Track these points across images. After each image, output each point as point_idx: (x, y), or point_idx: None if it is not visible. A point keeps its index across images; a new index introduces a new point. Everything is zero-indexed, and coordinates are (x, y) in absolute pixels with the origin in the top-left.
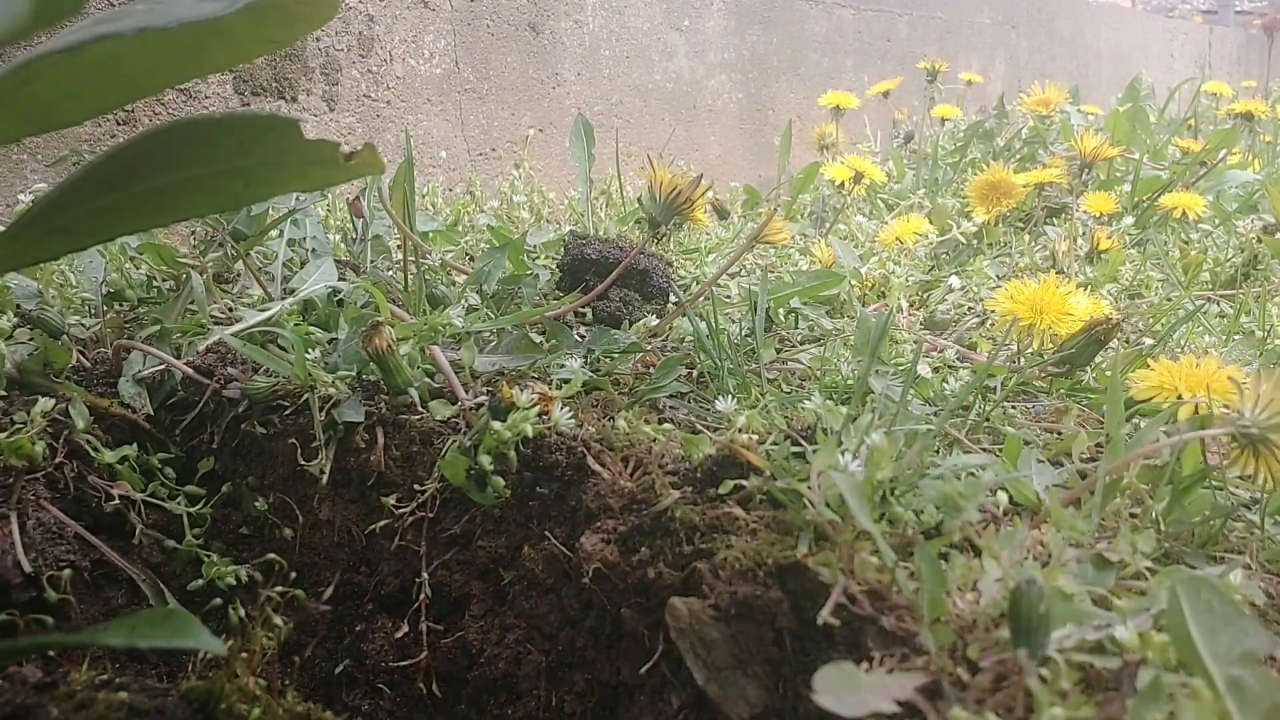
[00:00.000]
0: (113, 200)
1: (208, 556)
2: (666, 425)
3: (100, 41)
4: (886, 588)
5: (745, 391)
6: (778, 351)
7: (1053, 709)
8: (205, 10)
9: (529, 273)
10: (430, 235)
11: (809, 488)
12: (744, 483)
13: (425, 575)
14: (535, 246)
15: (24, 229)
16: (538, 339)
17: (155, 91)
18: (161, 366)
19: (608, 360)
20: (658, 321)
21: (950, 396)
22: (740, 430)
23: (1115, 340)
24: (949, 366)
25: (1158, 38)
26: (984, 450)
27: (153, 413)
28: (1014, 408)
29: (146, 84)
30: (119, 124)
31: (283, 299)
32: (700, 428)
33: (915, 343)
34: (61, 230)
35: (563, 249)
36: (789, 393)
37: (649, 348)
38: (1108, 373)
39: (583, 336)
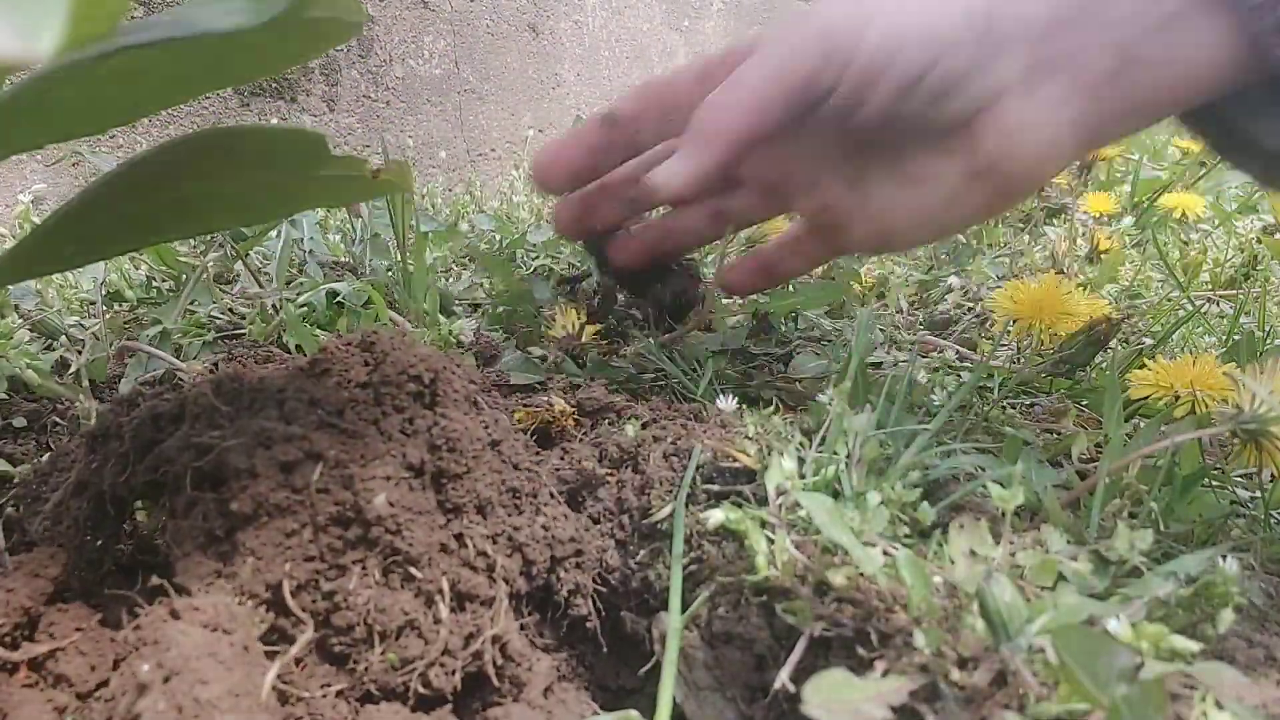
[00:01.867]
0: (134, 211)
1: None
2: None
3: (123, 52)
4: (867, 595)
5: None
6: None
7: (1042, 703)
8: (229, 23)
9: (525, 289)
10: (430, 237)
11: (768, 512)
12: (739, 488)
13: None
14: (535, 245)
15: (43, 239)
16: (537, 360)
17: (178, 102)
18: (164, 370)
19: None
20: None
21: (947, 397)
22: (738, 432)
23: (1115, 340)
24: (949, 367)
25: None
26: (980, 450)
27: None
28: (1013, 407)
29: (170, 95)
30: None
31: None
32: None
33: (913, 344)
34: (81, 240)
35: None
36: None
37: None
38: (1108, 373)
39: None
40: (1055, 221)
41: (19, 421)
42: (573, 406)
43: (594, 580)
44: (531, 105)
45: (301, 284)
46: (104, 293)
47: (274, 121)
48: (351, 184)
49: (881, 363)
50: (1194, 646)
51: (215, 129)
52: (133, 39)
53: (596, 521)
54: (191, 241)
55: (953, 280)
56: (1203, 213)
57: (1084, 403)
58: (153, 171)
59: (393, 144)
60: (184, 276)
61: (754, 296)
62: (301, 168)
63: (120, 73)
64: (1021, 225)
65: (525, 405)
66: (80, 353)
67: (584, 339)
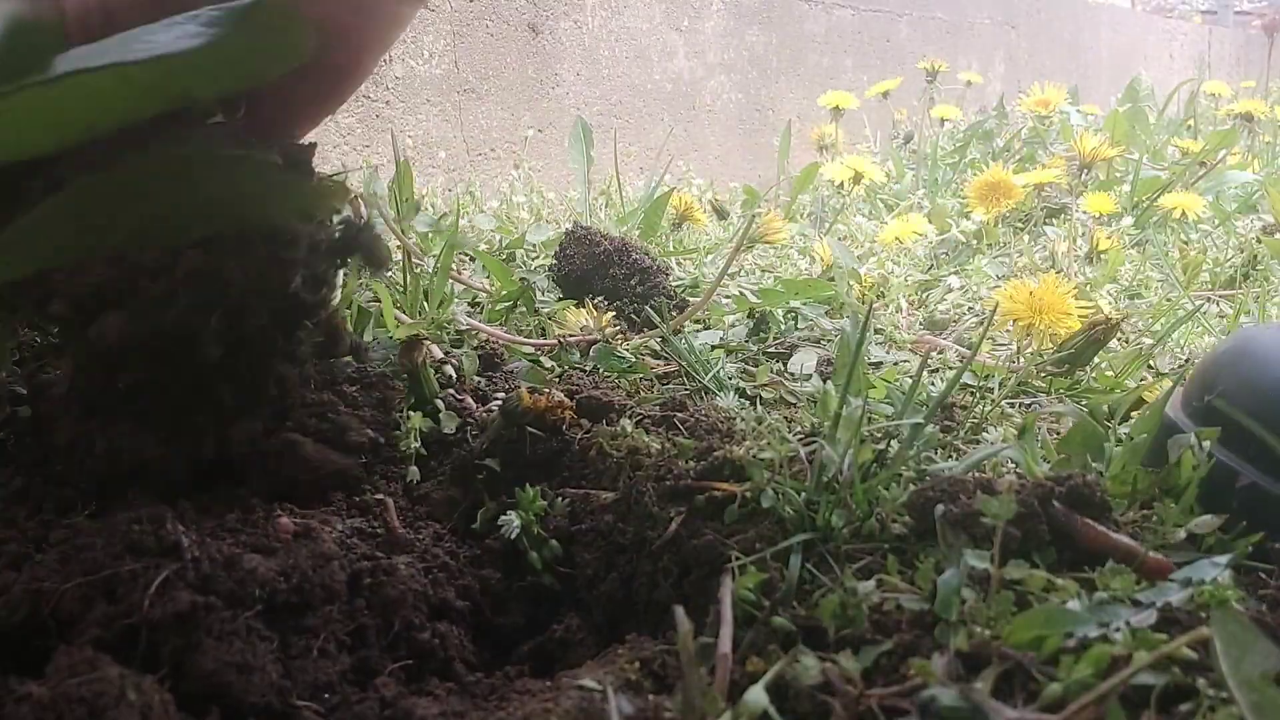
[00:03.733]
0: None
1: None
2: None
3: (74, 76)
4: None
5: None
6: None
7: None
8: (178, 47)
9: (524, 285)
10: (429, 236)
11: None
12: (723, 487)
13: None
14: (535, 245)
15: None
16: (546, 368)
17: (131, 121)
18: None
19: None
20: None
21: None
22: (736, 432)
23: (1115, 340)
24: (949, 367)
25: (1157, 38)
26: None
27: None
28: (1012, 407)
29: (121, 116)
30: None
31: None
32: (701, 434)
33: (915, 344)
34: (34, 252)
35: (568, 242)
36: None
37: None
38: (1108, 372)
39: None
40: (1055, 221)
41: None
42: (572, 403)
43: None
44: (531, 105)
45: None
46: None
47: None
48: (287, 200)
49: (881, 362)
50: (1192, 655)
51: (160, 152)
52: (83, 64)
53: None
54: None
55: (952, 280)
56: (1202, 212)
57: (1084, 402)
58: (109, 194)
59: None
60: None
61: (748, 296)
62: (240, 186)
63: (73, 95)
64: (1021, 225)
65: (530, 389)
66: None
67: (605, 333)
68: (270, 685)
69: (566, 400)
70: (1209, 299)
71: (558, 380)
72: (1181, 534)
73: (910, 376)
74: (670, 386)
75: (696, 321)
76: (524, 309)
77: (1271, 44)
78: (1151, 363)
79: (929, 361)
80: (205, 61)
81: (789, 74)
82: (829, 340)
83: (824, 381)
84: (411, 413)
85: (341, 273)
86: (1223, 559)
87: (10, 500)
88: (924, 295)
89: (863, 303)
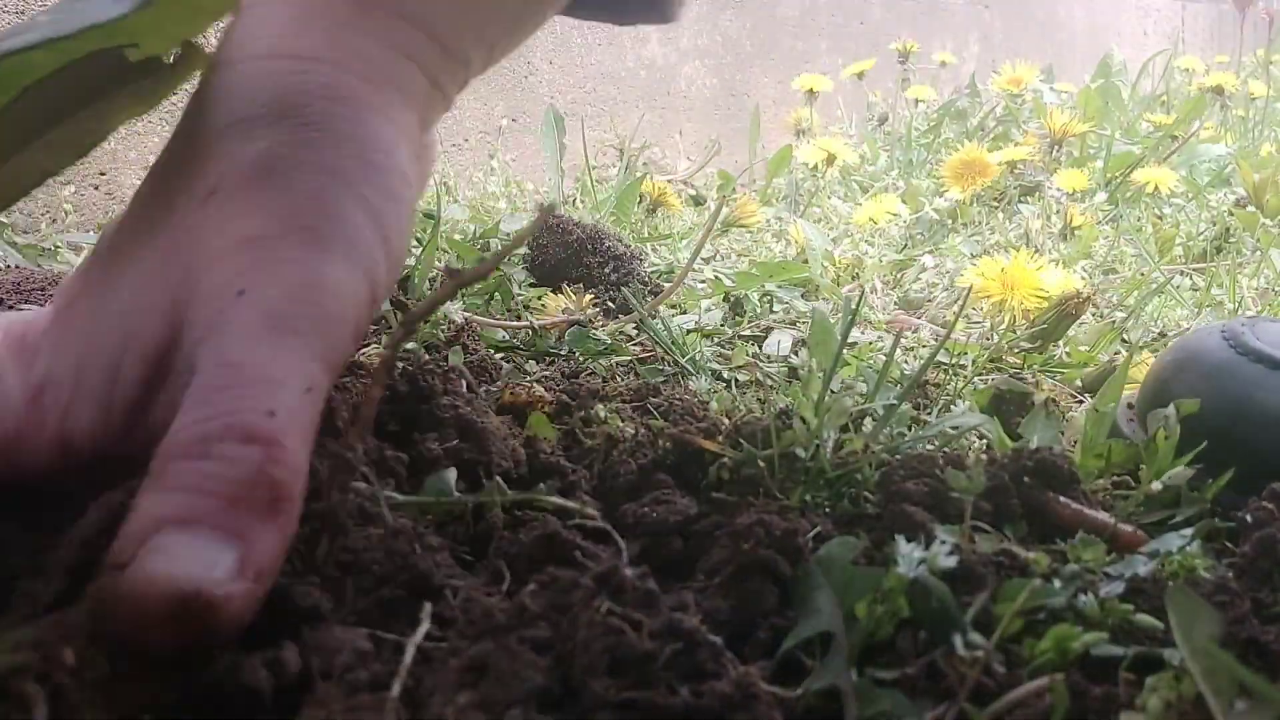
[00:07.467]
0: None
1: None
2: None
3: (9, 57)
4: None
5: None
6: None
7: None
8: (111, 12)
9: (500, 275)
10: None
11: None
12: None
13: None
14: (510, 234)
15: None
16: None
17: (69, 99)
18: None
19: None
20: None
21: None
22: (710, 415)
23: (1089, 314)
24: (923, 346)
25: (1131, 15)
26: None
27: None
28: (985, 384)
29: (59, 94)
30: None
31: None
32: (675, 417)
33: (889, 324)
34: None
35: (541, 231)
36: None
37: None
38: (1081, 347)
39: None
40: (1029, 199)
41: None
42: (551, 397)
43: None
44: (504, 95)
45: None
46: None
47: None
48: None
49: (855, 342)
50: (1159, 625)
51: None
52: (16, 42)
53: None
54: None
55: (926, 260)
56: (1175, 187)
57: (1057, 377)
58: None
59: None
60: None
61: (724, 280)
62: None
63: (11, 77)
64: (995, 204)
65: (508, 387)
66: None
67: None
68: None
69: (545, 395)
70: (1181, 272)
71: (538, 376)
72: (1157, 486)
73: (884, 354)
74: (646, 368)
75: (672, 306)
76: (500, 298)
77: (1243, 20)
78: (1125, 336)
79: (903, 340)
80: (140, 23)
81: (763, 58)
82: (804, 322)
83: (795, 354)
84: None
85: None
86: (1189, 531)
87: None
88: (898, 275)
89: (837, 284)
